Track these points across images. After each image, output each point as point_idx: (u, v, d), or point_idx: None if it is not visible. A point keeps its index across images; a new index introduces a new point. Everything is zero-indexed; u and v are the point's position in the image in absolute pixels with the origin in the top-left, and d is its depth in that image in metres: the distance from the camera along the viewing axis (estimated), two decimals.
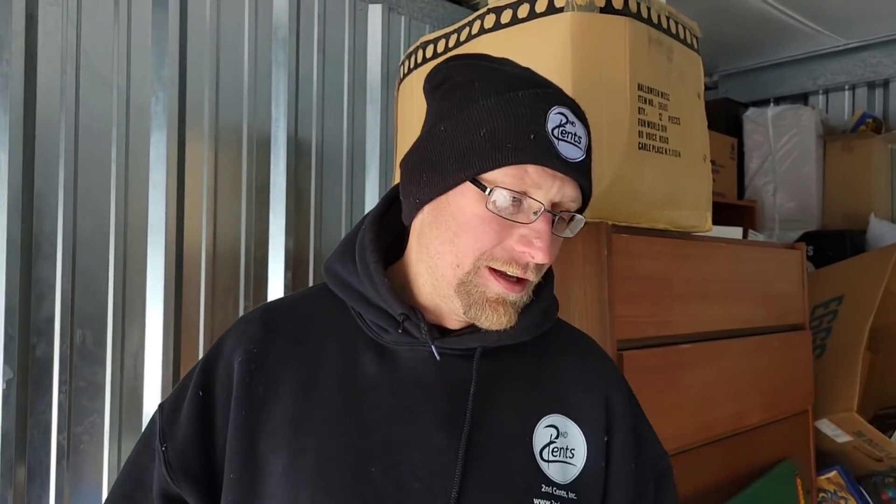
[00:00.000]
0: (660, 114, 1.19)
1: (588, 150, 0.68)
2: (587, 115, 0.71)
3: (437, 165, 0.67)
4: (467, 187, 0.66)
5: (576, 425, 0.73)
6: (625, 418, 0.77)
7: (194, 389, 0.75)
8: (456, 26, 1.29)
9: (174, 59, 1.40)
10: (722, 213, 1.30)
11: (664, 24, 1.22)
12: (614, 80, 1.11)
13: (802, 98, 2.52)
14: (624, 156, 1.11)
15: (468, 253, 0.66)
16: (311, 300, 0.79)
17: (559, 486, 0.70)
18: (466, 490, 0.66)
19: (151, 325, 1.37)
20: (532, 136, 0.64)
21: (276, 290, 1.56)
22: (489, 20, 1.20)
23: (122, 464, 1.33)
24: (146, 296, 1.37)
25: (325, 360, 0.72)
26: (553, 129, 0.65)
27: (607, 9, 1.12)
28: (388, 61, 1.77)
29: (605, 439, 0.74)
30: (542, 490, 0.69)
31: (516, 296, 0.68)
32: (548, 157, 0.64)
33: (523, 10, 1.15)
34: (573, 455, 0.72)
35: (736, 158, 2.23)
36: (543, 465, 0.70)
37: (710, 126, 1.35)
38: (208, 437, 0.73)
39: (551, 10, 1.11)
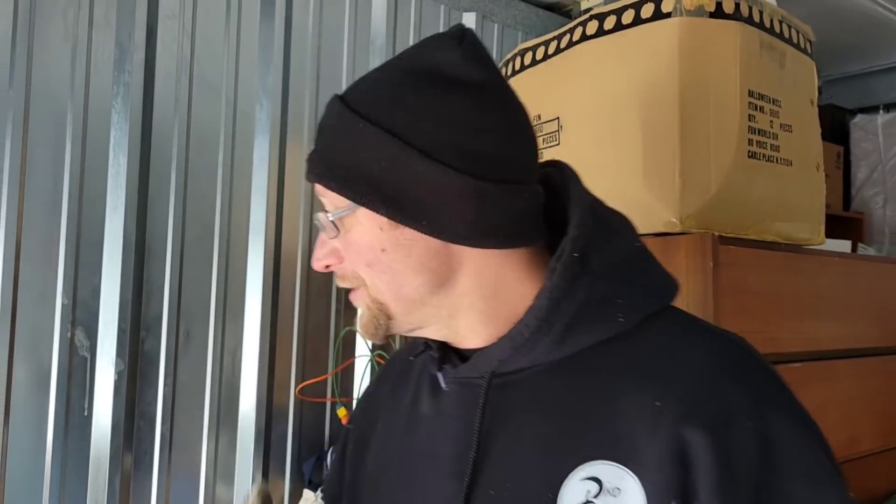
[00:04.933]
0: (771, 121, 1.13)
1: (328, 134, 0.60)
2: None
3: None
4: None
5: (634, 478, 0.51)
6: (725, 474, 0.49)
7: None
8: (556, 33, 1.27)
9: (278, 68, 1.45)
10: (828, 225, 1.23)
11: (776, 29, 1.16)
12: (724, 87, 1.07)
13: None
14: (733, 165, 1.06)
15: None
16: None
17: None
18: None
19: (249, 324, 1.42)
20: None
21: None
22: (591, 26, 1.18)
23: (218, 456, 1.39)
24: (245, 295, 1.42)
25: (409, 400, 0.69)
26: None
27: (717, 13, 1.08)
28: None
29: None
30: None
31: (357, 306, 0.63)
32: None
33: (628, 17, 1.12)
34: None
35: (842, 168, 2.10)
36: None
37: None
38: (342, 467, 0.77)
39: (658, 15, 1.08)
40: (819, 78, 2.49)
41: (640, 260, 0.62)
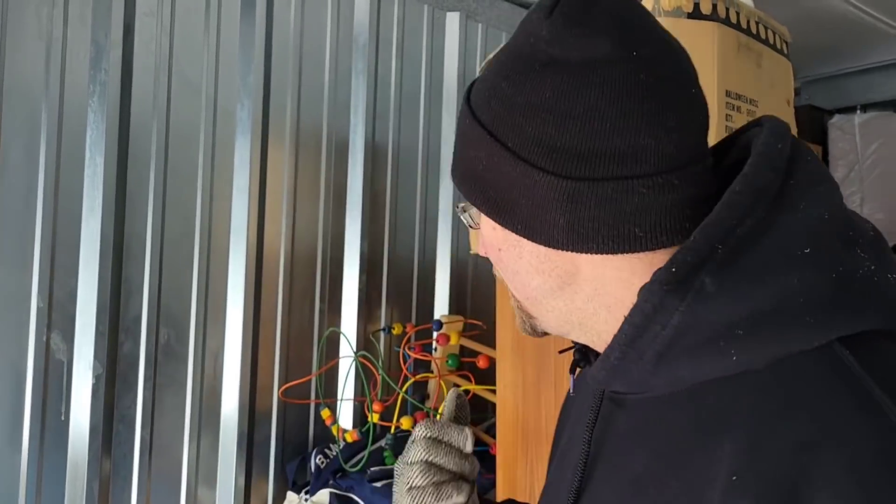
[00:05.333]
0: (748, 121, 1.14)
1: (456, 129, 0.58)
2: None
3: None
4: None
5: None
6: None
7: None
8: None
9: (259, 66, 1.44)
10: None
11: (753, 30, 1.18)
12: (701, 87, 1.08)
13: (892, 105, 2.40)
14: None
15: None
16: None
17: None
18: None
19: (231, 325, 1.40)
20: None
21: (350, 292, 1.58)
22: None
23: (200, 458, 1.38)
24: (227, 296, 1.41)
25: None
26: None
27: (695, 14, 1.09)
28: (465, 68, 1.78)
29: None
30: None
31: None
32: None
33: None
34: None
35: None
36: None
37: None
38: None
39: None
40: (797, 79, 2.53)
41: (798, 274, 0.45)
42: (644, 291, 0.47)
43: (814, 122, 2.20)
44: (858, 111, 2.32)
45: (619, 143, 0.47)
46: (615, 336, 0.50)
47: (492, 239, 0.56)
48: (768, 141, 0.49)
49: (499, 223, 0.53)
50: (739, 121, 1.14)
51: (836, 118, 2.16)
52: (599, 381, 0.54)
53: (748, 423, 0.44)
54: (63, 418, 1.23)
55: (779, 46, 1.24)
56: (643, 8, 0.51)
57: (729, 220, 0.46)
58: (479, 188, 0.53)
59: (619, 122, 0.47)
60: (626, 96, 0.47)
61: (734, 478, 0.42)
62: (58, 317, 1.23)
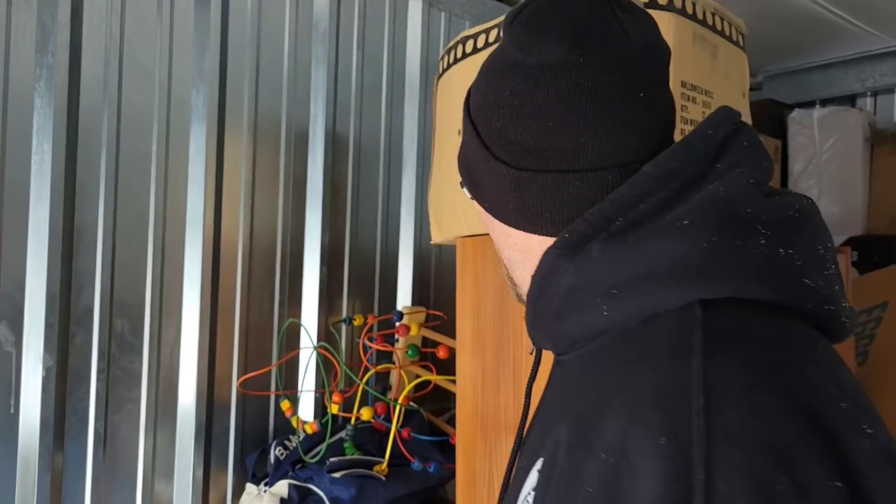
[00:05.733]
0: (703, 112, 1.16)
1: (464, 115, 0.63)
2: None
3: None
4: None
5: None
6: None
7: None
8: (496, 22, 1.27)
9: (215, 52, 1.41)
10: None
11: (709, 21, 1.18)
12: None
13: (850, 100, 2.44)
14: None
15: None
16: None
17: None
18: None
19: (188, 316, 1.38)
20: None
21: (311, 284, 1.56)
22: None
23: (157, 452, 1.36)
24: (183, 287, 1.38)
25: None
26: None
27: (651, 4, 1.09)
28: (428, 57, 1.76)
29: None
30: None
31: None
32: None
33: None
34: None
35: (780, 161, 2.17)
36: None
37: (755, 127, 1.31)
38: None
39: None
40: (759, 73, 2.56)
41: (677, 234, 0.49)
42: (544, 255, 0.54)
43: (774, 116, 2.24)
44: (818, 106, 2.36)
45: (561, 141, 0.53)
46: (527, 295, 0.58)
47: (481, 213, 0.63)
48: (699, 129, 0.53)
49: (476, 201, 0.62)
50: (694, 112, 1.15)
51: (796, 113, 2.20)
52: (532, 340, 0.61)
53: (602, 371, 0.51)
54: (12, 412, 1.20)
55: (735, 38, 1.25)
56: (610, 16, 0.55)
57: (629, 197, 0.51)
58: (465, 168, 0.63)
59: (562, 121, 0.53)
60: (570, 99, 0.53)
61: (576, 410, 0.49)
62: (5, 307, 1.19)
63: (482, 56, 1.29)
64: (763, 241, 0.48)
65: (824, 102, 2.43)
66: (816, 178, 2.16)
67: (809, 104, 2.41)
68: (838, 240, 2.14)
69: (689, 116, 1.12)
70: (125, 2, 1.30)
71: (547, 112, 0.53)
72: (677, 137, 0.57)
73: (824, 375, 0.46)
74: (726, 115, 0.55)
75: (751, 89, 1.45)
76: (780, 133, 2.23)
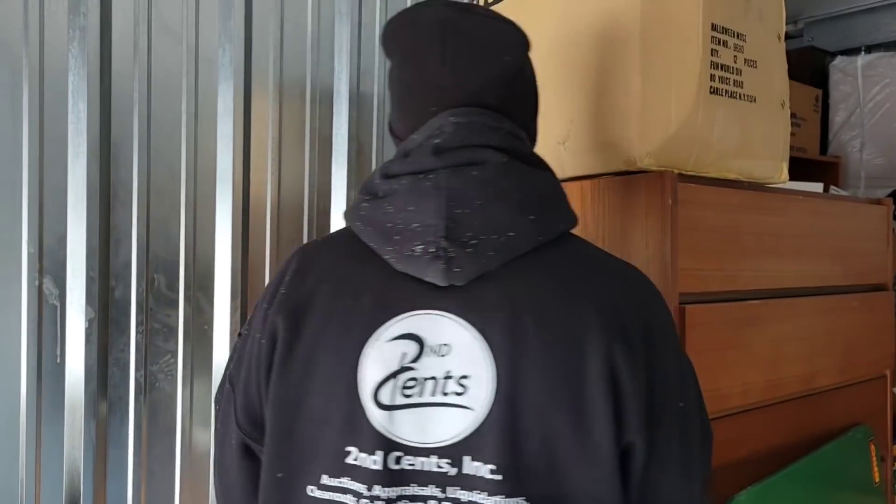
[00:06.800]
0: (735, 56, 1.12)
1: None
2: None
3: None
4: None
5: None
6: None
7: None
8: None
9: (240, 10, 1.42)
10: (803, 169, 1.22)
11: None
12: (685, 20, 1.05)
13: None
14: (694, 101, 1.05)
15: None
16: None
17: None
18: None
19: (220, 271, 1.42)
20: None
21: None
22: None
23: (194, 401, 1.41)
24: (215, 243, 1.42)
25: None
26: None
27: None
28: None
29: None
30: None
31: None
32: None
33: None
34: None
35: (820, 111, 2.08)
36: None
37: (794, 76, 1.26)
38: None
39: None
40: (800, 19, 2.46)
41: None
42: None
43: (815, 64, 2.15)
44: (862, 52, 2.26)
45: (392, 117, 0.81)
46: None
47: None
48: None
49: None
50: (726, 57, 1.12)
51: (839, 60, 2.10)
52: None
53: None
54: (59, 361, 1.26)
55: None
56: (406, 28, 0.78)
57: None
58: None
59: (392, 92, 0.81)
60: (390, 89, 0.80)
61: None
62: (49, 262, 1.25)
63: (504, 5, 1.27)
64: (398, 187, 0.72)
65: (869, 49, 2.32)
66: (860, 129, 2.08)
67: (853, 51, 2.30)
68: (882, 193, 2.07)
69: (719, 61, 1.09)
70: None
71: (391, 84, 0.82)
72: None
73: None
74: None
75: (791, 37, 1.39)
76: (822, 82, 2.15)
